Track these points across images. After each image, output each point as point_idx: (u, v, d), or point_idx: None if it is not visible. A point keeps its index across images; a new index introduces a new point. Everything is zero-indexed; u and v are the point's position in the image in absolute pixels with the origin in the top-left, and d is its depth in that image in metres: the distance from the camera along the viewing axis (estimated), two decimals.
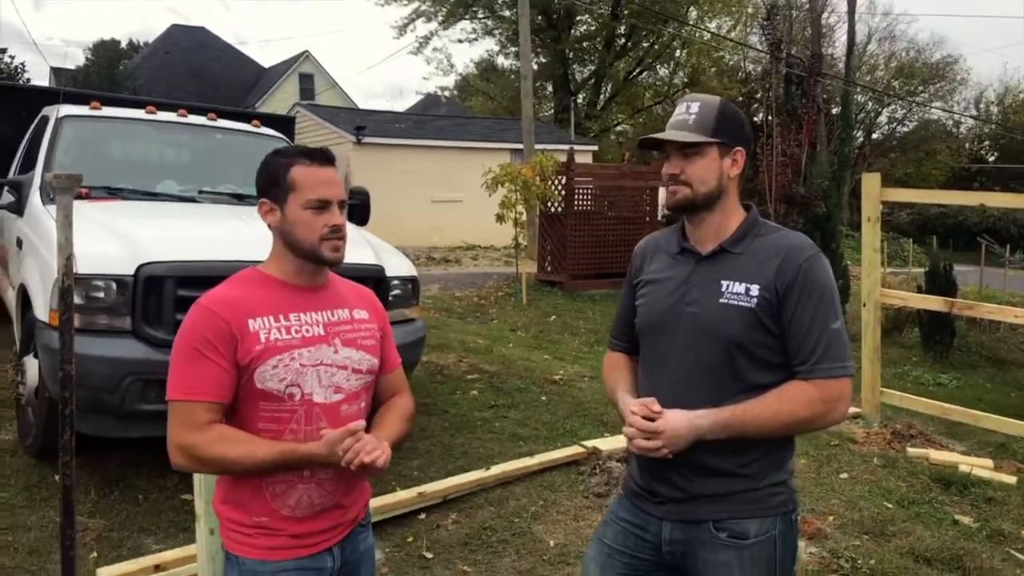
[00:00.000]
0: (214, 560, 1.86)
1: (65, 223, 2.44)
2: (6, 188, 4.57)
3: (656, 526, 1.81)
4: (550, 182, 11.50)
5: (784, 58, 12.38)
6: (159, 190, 4.90)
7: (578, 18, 29.41)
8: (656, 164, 13.07)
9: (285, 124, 7.68)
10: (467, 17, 29.52)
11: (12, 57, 24.86)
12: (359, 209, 5.21)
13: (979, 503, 4.25)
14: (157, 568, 3.01)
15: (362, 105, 33.07)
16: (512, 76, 30.33)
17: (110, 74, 27.50)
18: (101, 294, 3.51)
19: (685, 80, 30.99)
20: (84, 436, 3.50)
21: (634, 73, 31.51)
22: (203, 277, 3.25)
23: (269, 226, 1.75)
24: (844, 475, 4.56)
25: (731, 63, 32.51)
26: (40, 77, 31.48)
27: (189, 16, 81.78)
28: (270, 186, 1.72)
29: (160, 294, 3.55)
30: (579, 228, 11.81)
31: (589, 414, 5.56)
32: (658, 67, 32.14)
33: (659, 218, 12.57)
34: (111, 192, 4.61)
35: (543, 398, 5.94)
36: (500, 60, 33.56)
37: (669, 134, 1.76)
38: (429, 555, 3.42)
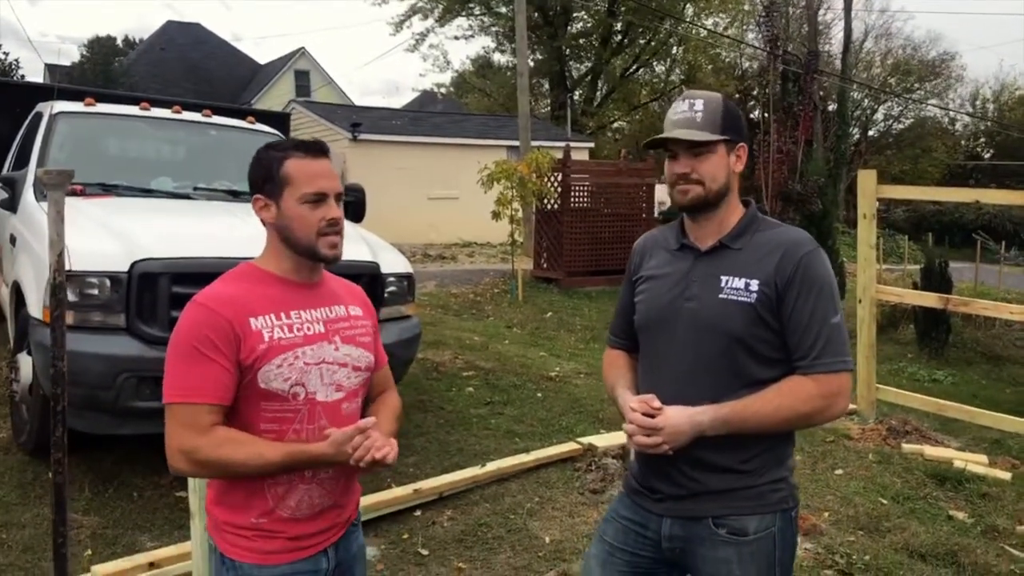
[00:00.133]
0: (209, 558, 1.85)
1: (57, 219, 2.43)
2: (0, 185, 4.55)
3: (656, 523, 1.81)
4: (546, 179, 11.50)
5: (781, 55, 12.39)
6: (154, 187, 4.89)
7: (574, 15, 29.40)
8: (652, 161, 13.09)
9: (280, 121, 7.67)
10: (463, 14, 29.51)
11: (7, 53, 24.86)
12: (354, 206, 5.20)
13: (974, 499, 4.26)
14: (152, 565, 3.00)
15: (358, 102, 33.04)
16: (508, 73, 30.32)
17: (105, 71, 27.43)
18: (95, 291, 3.50)
19: (682, 77, 31.01)
20: (79, 433, 3.50)
21: (631, 70, 31.54)
22: (198, 274, 3.24)
23: (264, 222, 1.69)
24: (839, 471, 4.56)
25: (728, 60, 32.51)
26: (35, 74, 31.46)
27: (184, 12, 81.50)
28: (264, 181, 1.67)
29: (155, 291, 3.55)
30: (575, 225, 11.81)
31: (585, 411, 5.56)
32: (655, 64, 32.19)
33: (655, 215, 12.57)
34: (106, 189, 4.60)
35: (539, 395, 5.94)
36: (496, 57, 33.60)
37: (681, 133, 1.74)
38: (425, 552, 3.42)
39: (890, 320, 10.34)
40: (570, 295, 11.24)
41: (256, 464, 1.55)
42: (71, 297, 3.39)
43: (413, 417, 5.13)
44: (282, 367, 1.59)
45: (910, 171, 34.02)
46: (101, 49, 30.43)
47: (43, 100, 5.64)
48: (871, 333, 5.69)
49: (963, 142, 40.22)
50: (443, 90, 39.34)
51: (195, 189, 4.95)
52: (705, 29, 29.35)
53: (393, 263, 4.50)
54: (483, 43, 42.97)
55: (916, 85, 37.36)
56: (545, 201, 11.84)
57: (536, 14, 26.49)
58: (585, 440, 4.68)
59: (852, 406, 5.69)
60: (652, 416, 1.68)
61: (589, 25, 30.02)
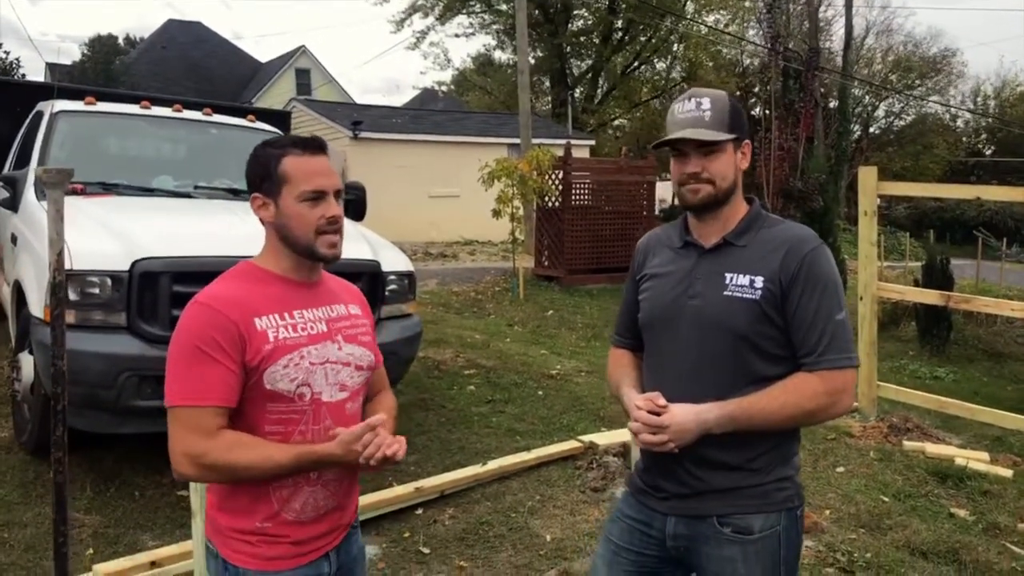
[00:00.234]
0: (207, 562, 1.84)
1: (56, 218, 2.43)
2: (1, 184, 4.55)
3: (660, 521, 1.80)
4: (547, 177, 11.49)
5: (782, 52, 12.38)
6: (154, 185, 4.88)
7: (575, 12, 29.40)
8: (652, 159, 13.09)
9: (281, 119, 7.67)
10: (464, 12, 29.52)
11: (7, 53, 24.84)
12: (355, 204, 5.20)
13: (975, 496, 4.25)
14: (153, 564, 3.00)
15: (359, 100, 32.99)
16: (509, 71, 30.32)
17: (106, 70, 27.41)
18: (96, 290, 3.50)
19: (683, 74, 31.00)
20: (80, 432, 3.50)
21: (631, 67, 31.52)
22: (199, 272, 3.24)
23: (263, 221, 1.66)
24: (840, 469, 4.56)
25: (729, 57, 32.48)
26: (36, 73, 31.42)
27: (185, 11, 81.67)
28: (262, 179, 1.64)
29: (155, 290, 3.55)
30: (576, 223, 11.81)
31: (586, 409, 5.56)
32: (656, 61, 32.17)
33: (656, 213, 12.57)
34: (106, 188, 4.59)
35: (540, 393, 5.94)
36: (497, 55, 33.60)
37: (692, 133, 1.74)
38: (426, 550, 3.42)
39: (891, 317, 10.35)
40: (571, 293, 11.24)
41: (265, 467, 1.52)
42: (72, 296, 3.40)
43: (414, 415, 5.13)
44: (288, 367, 1.56)
45: (911, 168, 34.00)
46: (102, 48, 30.41)
47: (44, 99, 5.64)
48: (872, 330, 5.68)
49: (964, 139, 40.21)
50: (444, 88, 39.35)
51: (196, 188, 4.95)
52: (706, 26, 29.32)
53: (394, 261, 4.50)
54: (484, 41, 43.10)
55: (917, 82, 37.33)
56: (546, 199, 11.83)
57: (537, 11, 26.49)
58: (586, 438, 4.68)
59: (854, 403, 5.69)
60: (658, 414, 1.67)
61: (590, 22, 30.01)
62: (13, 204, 4.49)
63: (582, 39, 30.51)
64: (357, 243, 4.17)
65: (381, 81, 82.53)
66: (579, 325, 9.32)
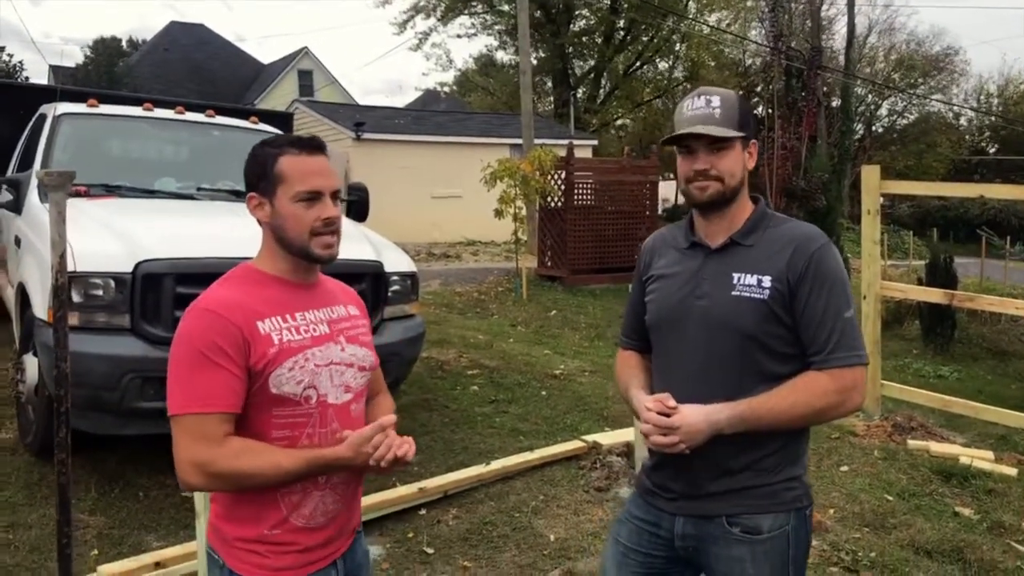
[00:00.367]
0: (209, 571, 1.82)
1: (58, 220, 2.44)
2: (4, 186, 4.56)
3: (669, 522, 1.80)
4: (549, 177, 11.49)
5: (784, 51, 12.36)
6: (157, 187, 4.89)
7: (577, 12, 29.41)
8: (655, 158, 13.08)
9: (284, 120, 7.68)
10: (466, 12, 29.54)
11: (10, 55, 24.94)
12: (358, 205, 5.20)
13: (980, 495, 4.24)
14: (158, 565, 3.00)
15: (361, 101, 33.03)
16: (511, 71, 30.32)
17: (109, 72, 27.51)
18: (99, 292, 3.50)
19: (685, 74, 30.98)
20: (84, 434, 3.51)
21: (634, 67, 31.51)
22: (202, 274, 3.24)
23: (259, 222, 1.63)
24: (844, 468, 4.55)
25: (731, 56, 32.47)
26: (38, 75, 31.55)
27: (188, 13, 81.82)
28: (258, 179, 1.60)
29: (159, 291, 3.55)
30: (579, 223, 11.80)
31: (589, 409, 5.56)
32: (658, 61, 32.16)
33: (659, 212, 12.57)
34: (109, 190, 4.60)
35: (543, 393, 5.94)
36: (499, 55, 33.62)
37: (702, 129, 1.73)
38: (430, 550, 3.42)
39: (895, 316, 10.33)
40: (574, 293, 11.23)
41: (274, 474, 1.49)
42: (75, 298, 3.40)
43: (418, 416, 5.13)
44: (293, 370, 1.54)
45: (914, 167, 33.97)
46: (105, 50, 30.53)
47: (47, 102, 5.65)
48: (876, 329, 5.68)
49: (967, 137, 40.16)
50: (446, 89, 39.39)
51: (198, 189, 4.95)
52: (708, 26, 29.31)
53: (397, 262, 4.50)
54: (486, 41, 43.15)
55: (920, 80, 37.29)
56: (548, 199, 11.83)
57: (539, 12, 26.49)
58: (590, 438, 4.68)
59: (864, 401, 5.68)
60: (668, 415, 1.66)
61: (592, 22, 30.01)
62: (16, 206, 4.50)
63: (584, 39, 30.52)
64: (360, 244, 4.17)
65: (383, 82, 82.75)
66: (582, 325, 9.32)
